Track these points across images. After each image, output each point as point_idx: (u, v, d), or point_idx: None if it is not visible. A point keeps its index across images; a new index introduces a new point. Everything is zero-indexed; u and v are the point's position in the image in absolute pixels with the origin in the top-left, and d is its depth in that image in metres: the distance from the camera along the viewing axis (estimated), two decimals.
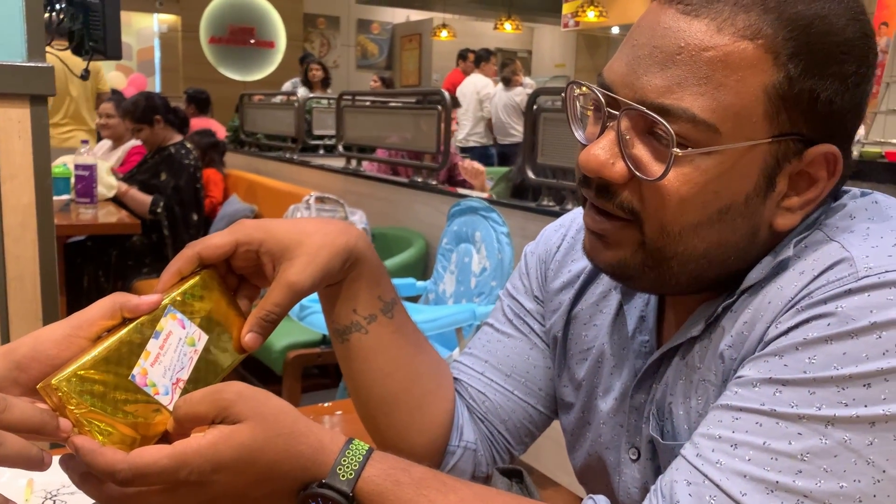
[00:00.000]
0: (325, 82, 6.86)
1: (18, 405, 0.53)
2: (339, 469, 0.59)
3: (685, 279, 0.66)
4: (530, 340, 0.87)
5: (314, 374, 3.32)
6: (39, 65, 1.41)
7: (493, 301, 2.41)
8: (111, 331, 0.61)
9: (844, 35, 0.61)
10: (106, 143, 4.32)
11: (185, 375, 0.62)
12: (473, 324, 2.39)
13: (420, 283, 2.75)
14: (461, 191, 3.31)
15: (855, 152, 5.98)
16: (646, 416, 0.74)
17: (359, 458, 0.60)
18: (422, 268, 3.01)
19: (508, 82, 7.11)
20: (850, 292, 0.58)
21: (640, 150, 0.63)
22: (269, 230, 0.69)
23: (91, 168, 3.38)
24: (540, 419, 0.88)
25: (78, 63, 1.88)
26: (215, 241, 0.68)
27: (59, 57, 1.66)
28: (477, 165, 3.82)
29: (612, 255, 0.67)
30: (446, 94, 3.20)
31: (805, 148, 0.63)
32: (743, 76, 0.60)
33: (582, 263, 0.85)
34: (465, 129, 7.16)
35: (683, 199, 0.62)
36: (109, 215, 3.36)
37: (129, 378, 0.59)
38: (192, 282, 0.65)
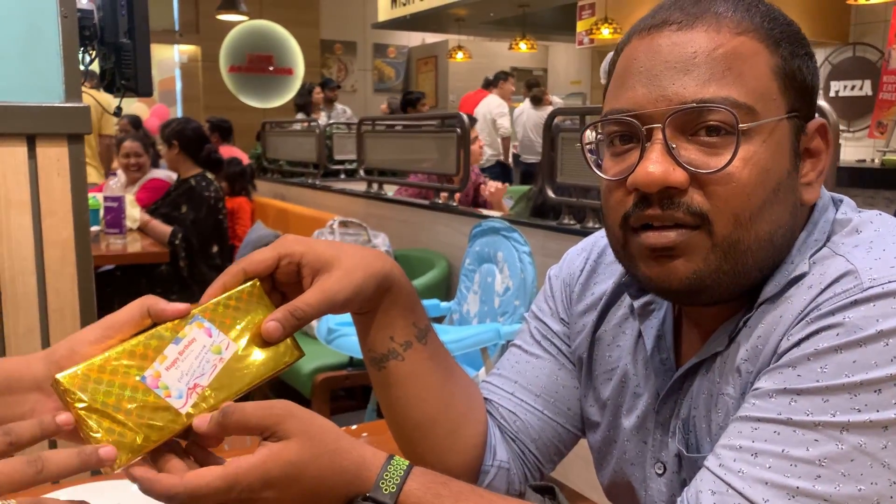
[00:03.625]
0: (329, 101, 7.08)
1: (53, 459, 0.55)
2: (382, 483, 0.63)
3: (755, 272, 0.68)
4: (558, 361, 0.90)
5: (341, 396, 3.35)
6: (76, 105, 1.47)
7: (517, 320, 2.43)
8: (140, 334, 0.64)
9: (794, 23, 0.70)
10: (121, 178, 4.41)
11: (206, 382, 0.62)
12: (499, 343, 2.41)
13: (444, 304, 2.78)
14: (483, 211, 3.35)
15: (876, 161, 5.95)
16: (672, 431, 0.76)
17: (400, 473, 0.64)
18: (445, 289, 3.05)
19: (539, 101, 7.27)
20: (856, 303, 0.60)
21: (692, 153, 0.66)
22: (310, 245, 0.72)
23: (119, 199, 3.47)
24: (568, 438, 0.90)
25: (106, 99, 1.95)
26: (259, 257, 0.71)
27: (94, 96, 1.72)
28: (501, 186, 3.87)
29: (686, 269, 0.67)
30: (464, 116, 3.25)
31: (805, 124, 0.69)
32: (753, 62, 0.66)
33: (603, 286, 0.88)
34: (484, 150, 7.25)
35: (748, 183, 0.65)
36: (137, 244, 3.44)
37: (139, 379, 0.60)
38: (229, 293, 0.67)
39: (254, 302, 0.68)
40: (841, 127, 7.11)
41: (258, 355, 0.66)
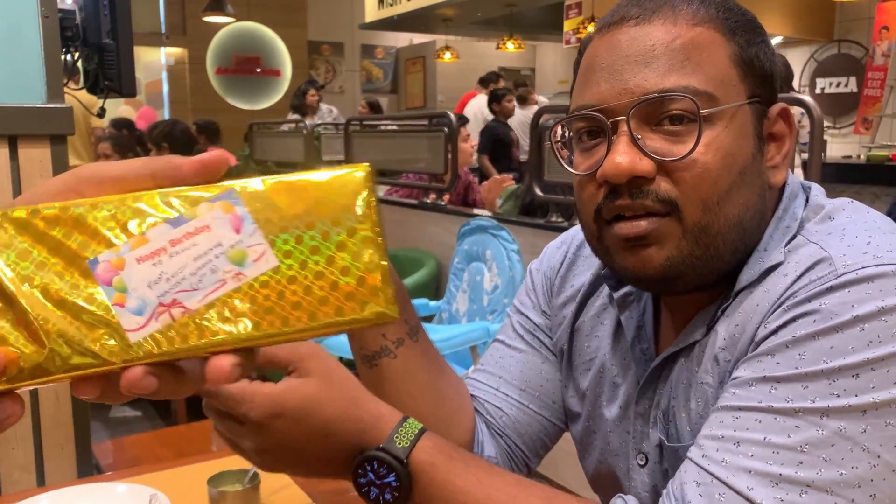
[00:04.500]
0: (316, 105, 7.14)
1: None
2: (396, 437, 0.64)
3: (728, 255, 0.69)
4: (541, 354, 0.90)
5: None
6: (58, 106, 1.46)
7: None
8: None
9: (748, 12, 0.71)
10: None
11: (196, 303, 0.37)
12: (487, 341, 2.41)
13: (433, 303, 2.78)
14: (473, 210, 3.35)
15: (862, 157, 5.99)
16: (652, 421, 0.77)
17: (414, 432, 0.65)
18: (434, 288, 3.05)
19: (524, 101, 7.31)
20: (831, 289, 0.61)
21: (657, 142, 0.67)
22: None
23: None
24: (553, 431, 0.90)
25: (91, 100, 1.94)
26: None
27: (76, 97, 1.71)
28: (503, 177, 3.77)
29: (660, 256, 0.68)
30: (452, 115, 3.24)
31: (766, 109, 0.71)
32: (711, 51, 0.68)
33: (582, 279, 0.88)
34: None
35: (713, 167, 0.66)
36: None
37: (87, 262, 0.37)
38: (303, 174, 0.40)
39: (347, 201, 0.39)
40: (827, 123, 7.15)
41: (314, 290, 0.38)
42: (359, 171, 0.39)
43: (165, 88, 9.98)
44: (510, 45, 9.71)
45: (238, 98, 9.24)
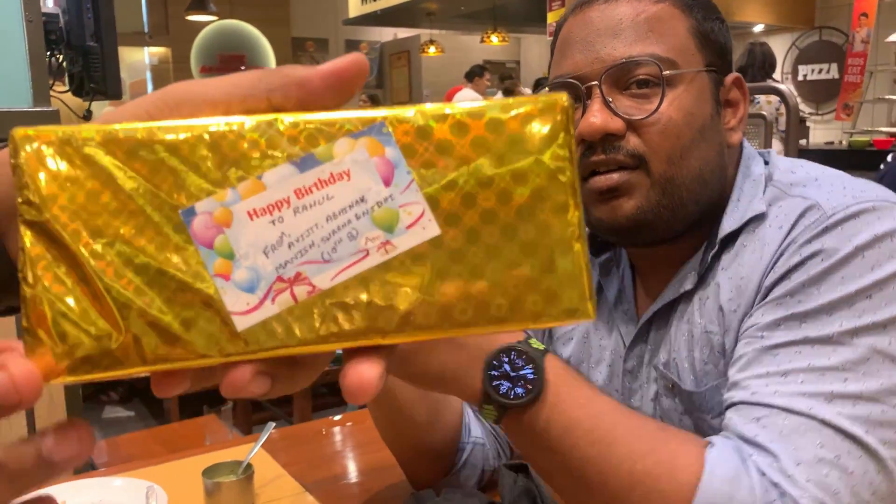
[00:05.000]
0: None
1: None
2: (531, 340, 0.66)
3: (691, 206, 0.77)
4: None
5: (323, 393, 3.37)
6: (45, 109, 1.48)
7: None
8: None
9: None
10: None
11: (328, 281, 0.27)
12: None
13: None
14: None
15: (844, 142, 6.05)
16: (645, 377, 0.83)
17: (541, 345, 0.66)
18: None
19: (510, 93, 7.35)
20: (826, 230, 0.69)
21: (626, 103, 0.76)
22: None
23: None
24: None
25: (77, 103, 1.95)
26: None
27: (62, 100, 1.73)
28: None
29: (630, 205, 0.76)
30: None
31: (721, 78, 0.79)
32: (672, 24, 0.77)
33: None
34: None
35: (676, 123, 0.75)
36: None
37: (178, 213, 0.27)
38: (473, 105, 0.28)
39: (537, 149, 0.28)
40: (810, 110, 7.21)
41: (488, 272, 0.28)
42: (555, 105, 0.28)
43: (150, 88, 9.93)
44: (494, 39, 9.72)
45: None
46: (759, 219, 0.76)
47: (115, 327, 0.26)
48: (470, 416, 0.93)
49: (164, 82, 9.90)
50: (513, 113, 0.28)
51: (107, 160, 0.27)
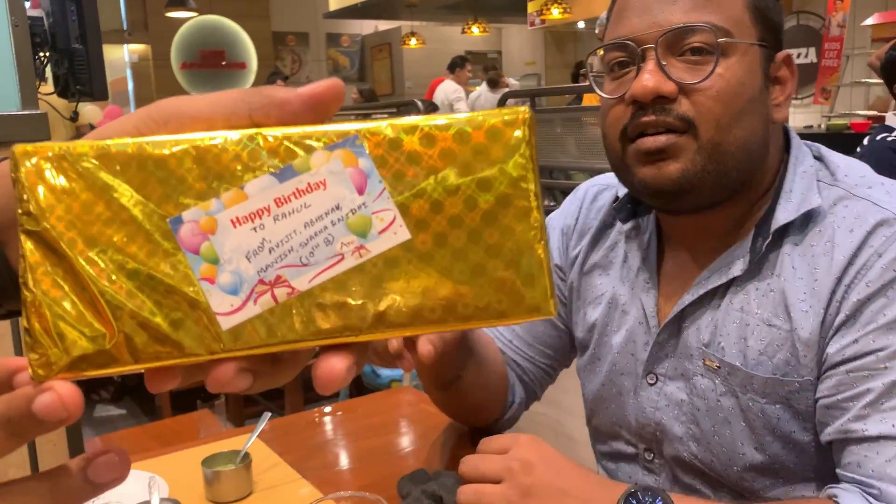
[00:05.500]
0: None
1: None
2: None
3: (735, 174, 0.79)
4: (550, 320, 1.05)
5: (312, 385, 3.39)
6: (33, 112, 1.50)
7: None
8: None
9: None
10: None
11: (305, 283, 0.30)
12: None
13: None
14: None
15: (823, 126, 6.12)
16: (682, 353, 0.86)
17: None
18: None
19: (495, 84, 7.38)
20: None
21: (679, 69, 0.78)
22: None
23: None
24: (552, 372, 1.10)
25: (63, 104, 1.97)
26: None
27: (49, 102, 1.74)
28: None
29: (676, 168, 0.78)
30: (419, 103, 3.30)
31: (773, 54, 0.81)
32: None
33: (592, 224, 1.00)
34: None
35: (726, 92, 0.77)
36: None
37: (167, 221, 0.29)
38: (437, 117, 0.31)
39: (500, 155, 0.30)
40: None
41: (454, 273, 0.30)
42: (517, 118, 0.30)
43: (131, 86, 9.88)
44: (475, 29, 9.75)
45: (205, 92, 9.16)
46: (818, 215, 0.78)
47: (108, 328, 0.29)
48: (513, 377, 1.07)
49: (144, 79, 9.86)
50: (478, 125, 0.30)
51: (100, 173, 0.29)
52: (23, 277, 0.29)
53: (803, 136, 0.89)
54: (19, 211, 0.29)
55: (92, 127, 5.43)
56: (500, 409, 1.08)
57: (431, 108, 3.67)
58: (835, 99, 6.11)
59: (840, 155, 0.84)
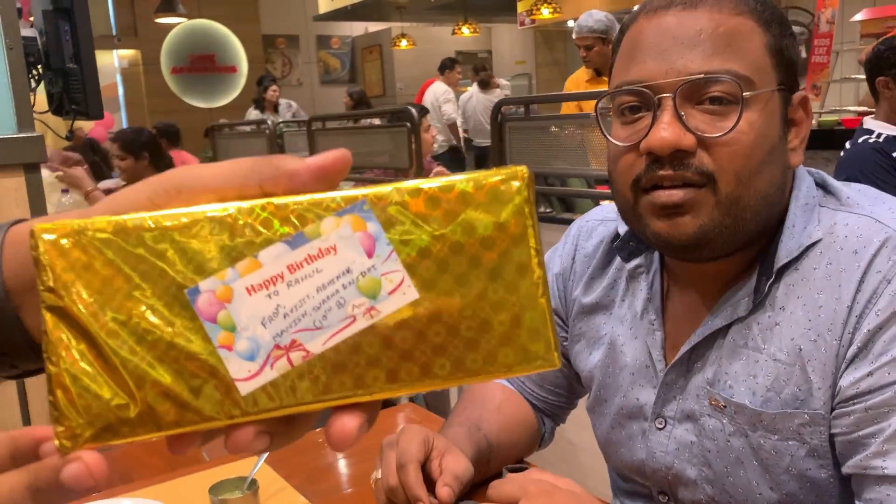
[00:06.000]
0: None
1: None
2: None
3: (752, 226, 0.76)
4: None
5: None
6: (30, 135, 1.49)
7: None
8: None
9: (778, 7, 0.78)
10: (73, 195, 4.29)
11: (320, 346, 0.31)
12: None
13: None
14: None
15: (814, 122, 6.14)
16: (689, 394, 0.84)
17: None
18: None
19: (486, 85, 7.38)
20: None
21: (698, 119, 0.74)
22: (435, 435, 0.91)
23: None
24: (571, 400, 1.11)
25: (58, 122, 1.96)
26: (417, 447, 0.88)
27: (44, 121, 1.74)
28: (443, 171, 3.83)
29: (693, 223, 0.75)
30: (412, 109, 3.29)
31: (790, 96, 0.78)
32: (750, 39, 0.75)
33: (592, 262, 0.98)
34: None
35: (749, 144, 0.73)
36: None
37: (184, 292, 0.30)
38: (446, 179, 0.32)
39: (503, 215, 0.32)
40: None
41: (462, 330, 0.32)
42: (516, 175, 0.32)
43: (121, 91, 9.84)
44: (465, 30, 9.74)
45: (195, 97, 9.15)
46: (815, 245, 0.76)
47: (131, 398, 0.30)
48: (537, 413, 1.10)
49: (134, 85, 9.81)
50: (479, 185, 0.32)
51: (118, 248, 0.30)
52: (46, 352, 0.30)
53: None
54: (41, 287, 0.30)
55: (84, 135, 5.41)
56: (536, 444, 1.10)
57: (422, 111, 3.66)
58: (825, 95, 6.11)
59: (844, 182, 0.82)
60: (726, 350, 0.80)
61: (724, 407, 0.80)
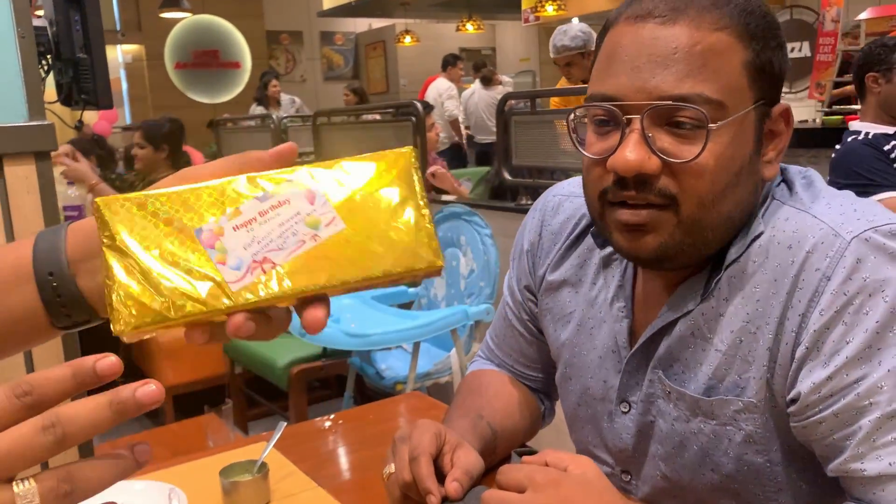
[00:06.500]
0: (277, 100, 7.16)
1: (76, 419, 0.38)
2: None
3: (715, 244, 0.78)
4: (533, 338, 1.07)
5: (315, 387, 3.41)
6: (41, 123, 1.50)
7: (484, 301, 2.51)
8: None
9: (769, 14, 0.76)
10: (79, 187, 4.30)
11: (282, 259, 0.45)
12: (467, 324, 2.49)
13: (411, 290, 2.85)
14: (443, 197, 3.41)
15: (818, 121, 6.14)
16: (649, 378, 0.86)
17: None
18: None
19: (489, 82, 7.37)
20: (860, 262, 0.70)
21: (665, 142, 0.74)
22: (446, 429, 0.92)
23: (80, 208, 3.45)
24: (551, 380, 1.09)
25: (67, 112, 1.97)
26: (428, 441, 0.88)
27: (54, 111, 1.75)
28: (439, 169, 3.74)
29: (654, 242, 0.76)
30: (418, 104, 3.30)
31: (770, 109, 0.77)
32: (727, 58, 0.73)
33: (560, 238, 0.99)
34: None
35: (714, 170, 0.73)
36: None
37: (193, 230, 0.46)
38: (363, 156, 0.50)
39: (395, 176, 0.49)
40: (784, 89, 7.28)
41: (375, 246, 0.47)
42: (403, 152, 0.49)
43: (124, 86, 9.84)
44: (469, 27, 9.74)
45: (199, 92, 9.16)
46: (759, 238, 0.77)
47: (161, 298, 0.44)
48: (540, 397, 1.12)
49: (138, 80, 9.80)
50: (381, 156, 0.49)
51: (148, 207, 0.46)
52: (105, 274, 0.45)
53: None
54: (101, 235, 0.45)
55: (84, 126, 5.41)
56: (539, 424, 1.12)
57: (428, 108, 3.66)
58: (829, 93, 6.12)
59: (808, 172, 0.83)
60: (678, 340, 0.82)
61: (670, 393, 0.83)
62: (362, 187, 0.48)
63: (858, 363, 0.70)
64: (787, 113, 0.79)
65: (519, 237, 1.06)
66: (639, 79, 0.73)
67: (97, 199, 0.46)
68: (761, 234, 0.77)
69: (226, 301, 0.44)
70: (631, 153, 0.73)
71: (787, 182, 0.82)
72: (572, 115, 0.82)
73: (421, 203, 0.48)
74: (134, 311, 0.44)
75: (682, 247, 0.76)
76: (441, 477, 0.87)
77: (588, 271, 0.94)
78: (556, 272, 0.98)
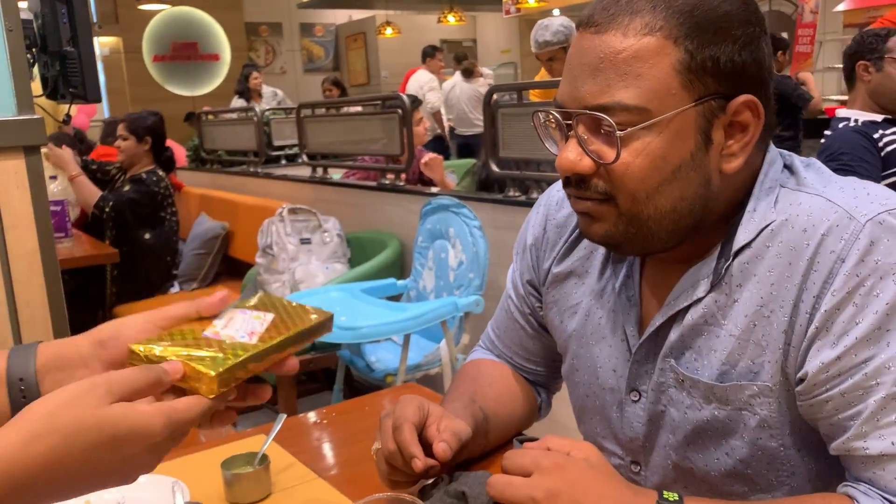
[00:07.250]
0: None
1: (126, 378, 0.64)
2: (665, 493, 0.75)
3: (665, 234, 0.81)
4: (537, 333, 1.08)
5: (303, 381, 3.41)
6: (30, 117, 1.49)
7: (473, 292, 2.52)
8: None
9: (722, 9, 0.76)
10: (62, 181, 4.28)
11: (261, 329, 0.74)
12: (457, 315, 2.50)
13: (400, 282, 2.85)
14: (431, 189, 3.42)
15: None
16: (660, 365, 0.87)
17: (675, 496, 0.75)
18: (399, 267, 3.12)
19: (470, 74, 7.35)
20: (873, 245, 0.72)
21: (597, 145, 0.78)
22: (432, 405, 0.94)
23: (62, 203, 3.42)
24: (558, 368, 1.10)
25: (53, 106, 1.95)
26: (413, 413, 0.90)
27: (42, 106, 1.73)
28: (434, 156, 3.70)
29: (599, 228, 0.82)
30: (405, 97, 3.29)
31: (726, 102, 0.77)
32: (653, 62, 0.74)
33: (566, 231, 1.01)
34: None
35: (640, 169, 0.77)
36: (85, 248, 3.41)
37: (202, 334, 0.73)
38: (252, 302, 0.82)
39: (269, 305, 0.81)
40: None
41: (297, 320, 0.77)
42: (325, 316, 0.81)
43: (102, 79, 9.73)
44: (451, 18, 9.73)
45: (178, 85, 9.06)
46: (773, 225, 0.79)
47: (218, 354, 0.71)
48: (538, 389, 1.14)
49: (116, 73, 9.68)
50: (302, 311, 0.80)
51: (168, 338, 0.72)
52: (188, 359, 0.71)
53: None
54: (144, 359, 0.70)
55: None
56: (534, 415, 1.13)
57: (416, 102, 3.66)
58: (809, 85, 6.18)
59: (811, 160, 0.84)
60: (690, 327, 0.84)
61: (683, 381, 0.85)
62: (285, 332, 0.76)
63: (867, 344, 0.72)
64: (752, 103, 0.77)
65: (522, 232, 1.07)
66: (574, 88, 0.78)
67: (130, 346, 0.70)
68: (774, 221, 0.79)
69: (256, 346, 0.73)
70: (566, 155, 0.79)
71: (792, 169, 0.84)
72: (541, 119, 0.86)
73: (312, 336, 0.79)
74: (215, 370, 0.68)
75: (627, 236, 0.81)
76: (428, 448, 0.87)
77: (595, 262, 0.96)
78: (563, 264, 0.99)
